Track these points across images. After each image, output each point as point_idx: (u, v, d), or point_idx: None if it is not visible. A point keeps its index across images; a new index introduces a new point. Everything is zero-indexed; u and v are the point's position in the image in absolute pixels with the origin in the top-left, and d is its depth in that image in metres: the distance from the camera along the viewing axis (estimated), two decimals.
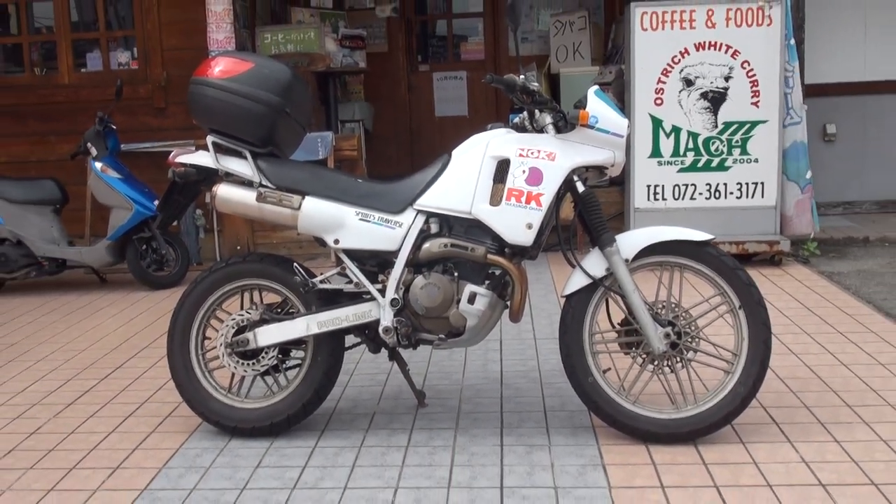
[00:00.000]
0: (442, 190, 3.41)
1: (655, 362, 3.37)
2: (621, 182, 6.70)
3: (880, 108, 8.07)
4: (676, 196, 6.44)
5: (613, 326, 3.46)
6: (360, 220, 3.44)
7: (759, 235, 6.39)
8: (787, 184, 6.45)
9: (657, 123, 6.39)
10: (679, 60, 6.33)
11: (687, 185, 6.43)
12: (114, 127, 6.73)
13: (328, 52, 8.11)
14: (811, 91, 7.22)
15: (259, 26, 8.10)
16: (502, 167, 3.34)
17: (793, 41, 6.42)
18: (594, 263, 3.36)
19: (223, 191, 3.55)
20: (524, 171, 3.31)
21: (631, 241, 3.35)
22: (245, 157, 3.53)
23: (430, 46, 10.68)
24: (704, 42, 6.32)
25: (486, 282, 3.42)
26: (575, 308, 3.37)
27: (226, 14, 7.25)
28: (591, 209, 3.37)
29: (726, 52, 6.32)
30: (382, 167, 9.00)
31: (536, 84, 3.38)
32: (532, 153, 3.33)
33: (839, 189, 8.09)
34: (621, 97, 6.74)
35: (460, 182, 3.39)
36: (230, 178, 3.59)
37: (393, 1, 9.97)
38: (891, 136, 8.10)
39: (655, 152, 6.42)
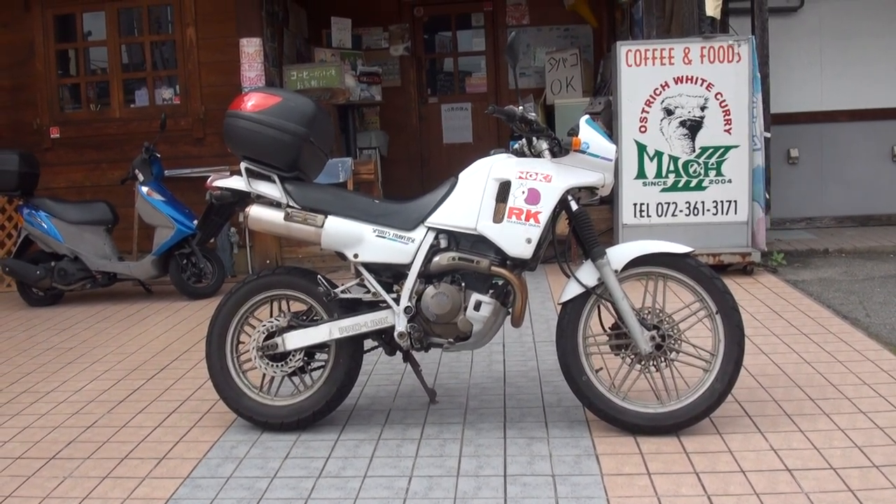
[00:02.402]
0: (450, 209, 3.40)
1: (642, 362, 3.35)
2: (610, 201, 6.66)
3: (836, 134, 8.07)
4: (660, 213, 6.41)
5: (605, 330, 3.44)
6: (377, 236, 3.43)
7: (733, 248, 6.36)
8: (752, 203, 6.41)
9: (642, 148, 6.37)
10: (660, 92, 6.31)
11: (669, 204, 6.40)
12: (158, 155, 6.75)
13: (348, 86, 8.12)
14: (777, 119, 7.22)
15: (286, 65, 8.11)
16: (504, 188, 3.33)
17: (758, 74, 6.39)
18: (587, 274, 3.34)
19: (255, 211, 3.54)
20: (524, 192, 3.30)
21: (620, 254, 3.33)
22: (274, 181, 3.53)
23: (438, 81, 10.68)
24: (682, 76, 6.30)
25: (490, 291, 3.41)
26: (570, 314, 3.35)
27: (257, 55, 7.32)
28: (583, 225, 3.35)
29: (701, 84, 6.30)
30: (396, 189, 8.99)
31: (534, 114, 3.37)
32: (531, 175, 3.32)
33: (802, 206, 8.07)
34: (610, 125, 6.71)
35: (466, 202, 3.38)
36: (261, 199, 3.58)
37: (405, 41, 9.98)
38: (846, 159, 8.10)
39: (641, 174, 6.40)
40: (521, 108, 3.32)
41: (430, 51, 10.55)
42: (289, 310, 3.67)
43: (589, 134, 3.32)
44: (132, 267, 6.63)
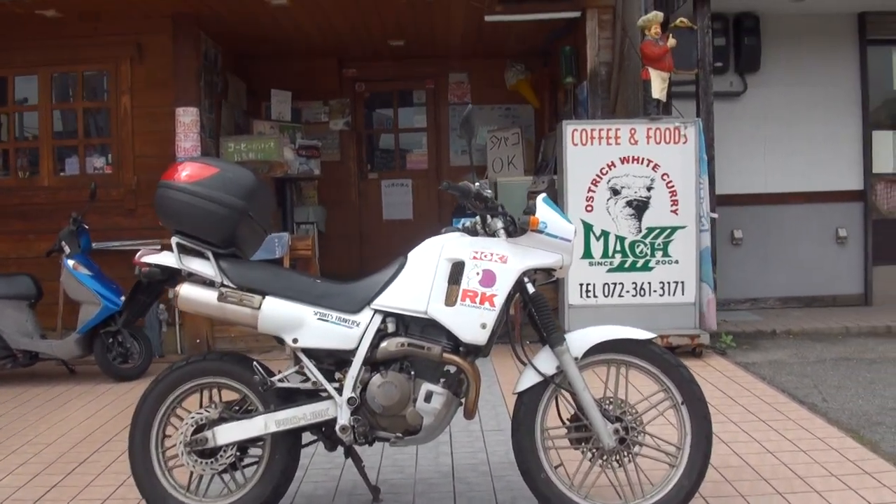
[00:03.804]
0: (399, 290, 3.13)
1: (604, 457, 3.08)
2: (556, 280, 6.47)
3: (779, 216, 8.07)
4: (606, 293, 6.23)
5: (563, 423, 3.17)
6: (319, 319, 3.13)
7: (681, 329, 6.19)
8: (700, 284, 6.29)
9: (588, 228, 6.22)
10: (606, 172, 6.20)
11: (615, 284, 6.23)
12: (86, 227, 6.35)
13: (286, 160, 7.88)
14: (721, 200, 7.16)
15: (224, 136, 7.83)
16: (457, 269, 3.08)
17: (705, 156, 6.34)
18: (545, 361, 3.09)
19: (185, 291, 3.23)
20: (478, 273, 3.05)
21: (580, 340, 3.09)
22: (208, 258, 3.22)
23: (378, 156, 10.53)
24: (629, 156, 6.21)
25: (442, 380, 3.12)
26: (527, 405, 3.08)
27: (193, 125, 7.05)
28: (541, 309, 3.11)
29: (648, 165, 6.21)
30: (334, 265, 8.70)
31: (490, 191, 3.15)
32: (485, 256, 3.07)
33: (746, 287, 7.99)
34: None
35: (416, 283, 3.11)
36: (193, 277, 3.26)
37: (345, 115, 9.81)
38: (788, 241, 8.08)
39: (587, 254, 6.23)
40: (476, 184, 3.10)
41: (370, 126, 10.41)
42: (220, 399, 3.33)
43: (547, 213, 3.11)
44: (55, 346, 6.16)
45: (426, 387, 3.04)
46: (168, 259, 3.26)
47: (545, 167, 8.09)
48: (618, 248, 6.22)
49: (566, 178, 6.24)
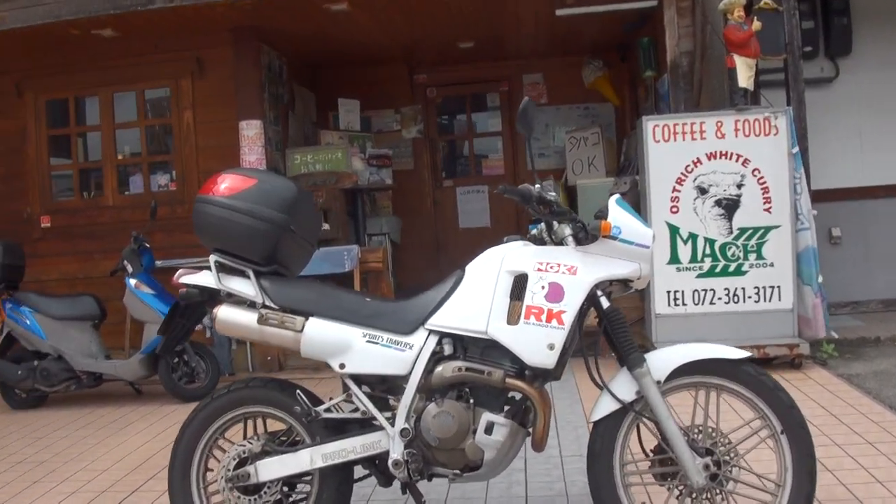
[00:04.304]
0: (455, 308, 2.80)
1: (693, 495, 2.68)
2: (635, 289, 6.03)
3: (879, 211, 7.42)
4: (696, 301, 5.77)
5: (647, 455, 2.79)
6: (368, 342, 2.83)
7: (779, 339, 5.67)
8: (803, 287, 5.76)
9: (674, 231, 5.77)
10: (692, 170, 5.74)
11: (706, 290, 5.76)
12: (147, 245, 6.23)
13: (355, 170, 7.65)
14: (816, 196, 6.59)
15: (289, 148, 7.65)
16: (519, 283, 2.74)
17: (797, 149, 5.82)
18: (623, 386, 2.71)
19: (224, 313, 2.97)
20: (543, 287, 2.70)
21: (662, 361, 2.70)
22: (248, 277, 2.95)
23: (453, 163, 10.22)
24: (715, 152, 5.74)
25: (507, 407, 2.78)
26: (603, 436, 2.71)
27: (258, 138, 6.92)
28: (616, 326, 2.74)
29: (737, 160, 5.73)
30: (410, 277, 8.43)
31: (553, 194, 2.80)
32: (551, 267, 2.72)
33: (846, 289, 7.34)
34: (637, 206, 6.16)
35: (475, 299, 2.78)
36: (233, 298, 3.00)
37: (418, 123, 9.54)
38: (891, 238, 7.41)
39: (674, 258, 5.78)
40: (537, 186, 2.75)
41: (444, 133, 10.12)
42: (265, 430, 3.06)
43: (621, 217, 2.74)
44: (118, 366, 6.05)
45: (487, 417, 2.70)
46: (207, 279, 3.02)
47: (628, 167, 7.65)
48: (707, 251, 5.76)
49: (648, 177, 5.81)
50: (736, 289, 5.73)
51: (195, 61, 7.19)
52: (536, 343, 2.67)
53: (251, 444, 2.95)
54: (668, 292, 5.79)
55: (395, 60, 9.09)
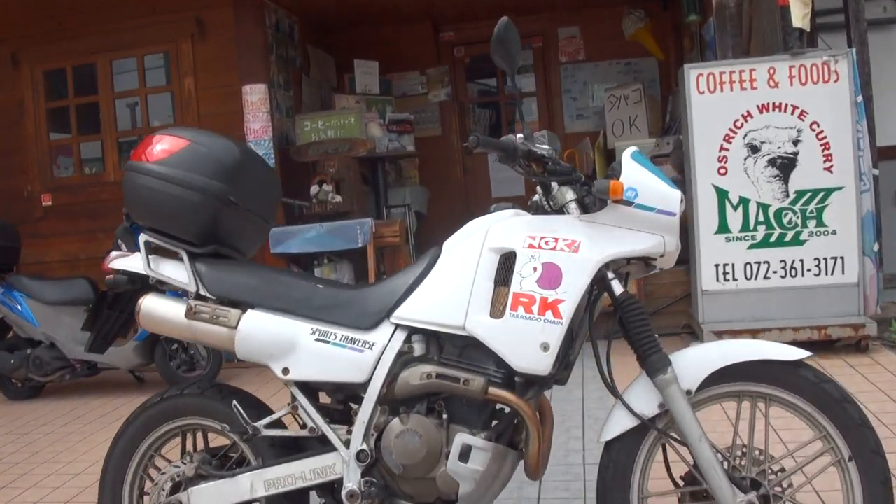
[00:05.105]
0: (427, 296, 2.20)
1: None
2: (687, 260, 5.36)
3: None
4: (748, 275, 5.07)
5: (675, 484, 2.16)
6: (317, 340, 2.25)
7: (842, 318, 4.95)
8: (863, 259, 5.02)
9: (722, 195, 5.07)
10: (742, 125, 5.02)
11: (759, 263, 5.05)
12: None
13: (371, 136, 7.04)
14: (881, 153, 5.80)
15: (299, 114, 7.07)
16: (507, 264, 2.11)
17: (860, 98, 5.06)
18: (642, 396, 2.09)
19: (148, 304, 2.43)
20: (535, 269, 2.08)
21: (693, 365, 2.07)
22: (182, 260, 2.39)
23: (483, 128, 9.55)
24: (768, 103, 5.01)
25: (495, 422, 2.17)
26: (617, 460, 2.10)
27: (262, 103, 6.35)
28: (633, 318, 2.11)
29: (792, 112, 5.00)
30: None
31: (547, 147, 2.16)
32: (546, 243, 2.10)
33: None
34: (682, 169, 5.46)
35: (450, 285, 2.17)
36: (165, 286, 2.45)
37: (445, 85, 8.87)
38: None
39: (722, 227, 5.09)
40: (519, 136, 2.11)
41: (473, 95, 9.45)
42: (206, 446, 2.50)
43: (637, 175, 2.10)
44: (112, 354, 5.56)
45: (462, 438, 2.09)
46: (136, 263, 2.47)
47: (673, 127, 6.92)
48: (761, 218, 5.04)
49: (692, 135, 5.10)
50: (793, 261, 5.02)
51: (195, 22, 6.63)
52: (525, 342, 2.05)
53: (184, 464, 2.41)
54: (717, 266, 5.10)
55: (418, 18, 8.42)
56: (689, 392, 2.03)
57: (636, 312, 2.10)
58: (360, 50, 8.26)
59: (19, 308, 5.73)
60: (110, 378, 6.10)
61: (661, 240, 2.09)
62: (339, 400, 2.30)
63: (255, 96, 6.31)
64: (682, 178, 5.35)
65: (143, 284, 2.50)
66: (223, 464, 2.45)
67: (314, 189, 6.66)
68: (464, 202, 9.07)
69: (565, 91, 8.87)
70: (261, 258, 6.28)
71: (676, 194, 2.11)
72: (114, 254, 2.66)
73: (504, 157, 2.11)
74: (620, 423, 2.09)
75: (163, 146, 2.44)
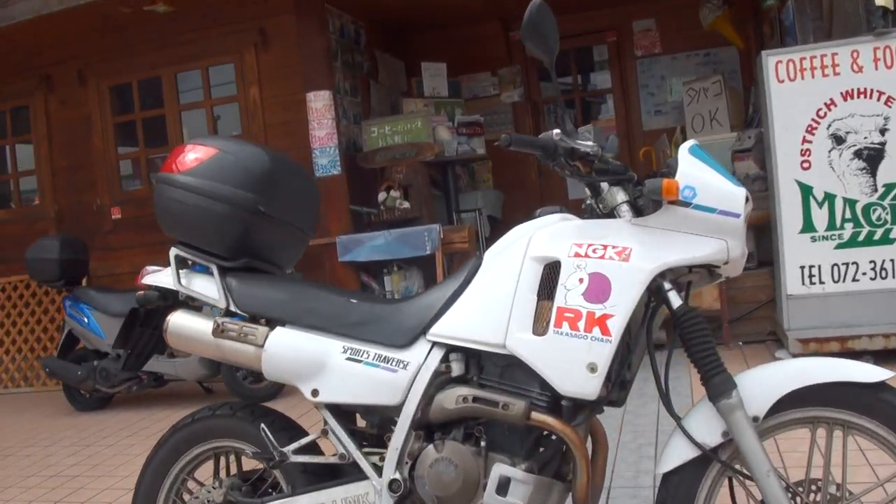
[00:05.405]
0: (465, 311, 2.02)
1: None
2: (771, 262, 5.03)
3: None
4: (836, 278, 4.72)
5: None
6: (348, 358, 2.09)
7: None
8: None
9: (806, 191, 4.74)
10: (825, 114, 4.68)
11: (847, 264, 4.70)
12: None
13: (439, 140, 6.88)
14: None
15: (365, 120, 6.96)
16: (552, 274, 1.91)
17: None
18: (704, 423, 1.87)
19: (176, 320, 2.32)
20: (581, 280, 1.87)
21: (762, 387, 1.83)
22: (212, 274, 2.26)
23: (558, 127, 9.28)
24: (852, 89, 4.66)
25: (541, 449, 1.97)
26: (676, 496, 1.88)
27: (326, 110, 6.25)
28: (693, 334, 1.88)
29: (878, 99, 4.64)
30: None
31: (591, 143, 1.95)
32: (594, 251, 1.89)
33: None
34: (764, 164, 5.13)
35: (491, 298, 1.99)
36: (197, 302, 2.34)
37: (518, 86, 8.66)
38: None
39: (808, 226, 4.75)
40: (555, 133, 1.91)
41: (547, 94, 9.20)
42: (239, 469, 2.37)
43: (695, 172, 1.87)
44: (178, 366, 5.57)
45: (500, 469, 1.90)
46: (167, 278, 2.36)
47: (756, 119, 6.56)
48: (848, 215, 4.70)
49: (773, 126, 4.79)
50: (883, 261, 4.65)
51: (258, 32, 6.60)
52: (571, 362, 1.85)
53: (212, 491, 2.28)
54: (802, 268, 4.77)
55: (487, 17, 8.23)
56: (756, 419, 1.79)
57: (696, 328, 1.87)
58: (430, 52, 8.11)
59: (86, 320, 5.78)
60: (178, 389, 6.10)
61: (724, 245, 1.85)
62: (374, 423, 2.14)
63: (319, 103, 6.22)
64: (764, 175, 5.03)
65: (175, 300, 2.39)
66: (256, 488, 2.32)
67: (381, 196, 6.54)
68: (540, 205, 8.72)
69: (642, 86, 8.55)
70: (329, 266, 6.20)
71: (740, 193, 1.87)
72: (148, 268, 2.56)
73: (544, 157, 1.91)
74: (680, 452, 1.86)
75: (192, 156, 2.34)
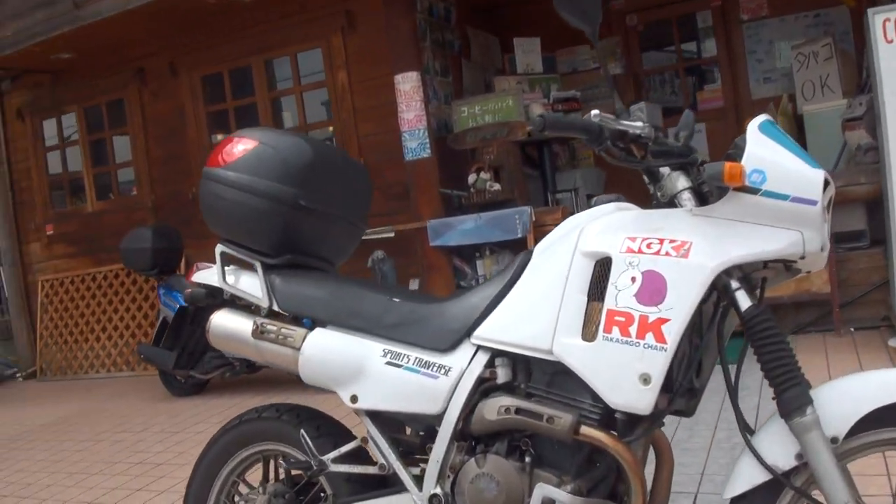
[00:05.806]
0: (511, 311, 1.85)
1: None
2: (884, 241, 4.62)
3: None
4: None
5: None
6: (388, 363, 1.95)
7: None
8: None
9: None
10: None
11: None
12: None
13: (532, 118, 6.64)
14: None
15: (455, 100, 6.79)
16: (603, 271, 1.71)
17: None
18: (776, 444, 1.64)
19: (218, 320, 2.25)
20: (633, 279, 1.66)
21: (842, 403, 1.59)
22: (256, 271, 2.17)
23: (662, 100, 8.89)
24: None
25: (595, 466, 1.78)
26: None
27: (415, 92, 6.12)
28: (764, 340, 1.65)
29: None
30: None
31: (642, 124, 1.73)
32: (648, 245, 1.68)
33: None
34: (875, 133, 4.71)
35: (538, 298, 1.81)
36: (242, 301, 2.25)
37: (618, 57, 8.30)
38: None
39: None
40: (594, 113, 1.70)
41: (649, 65, 8.81)
42: (287, 473, 2.28)
43: (764, 152, 1.63)
44: None
45: (543, 490, 1.72)
46: (214, 276, 2.28)
47: (868, 85, 6.05)
48: None
49: (882, 91, 4.38)
50: None
51: (344, 15, 6.54)
52: (622, 372, 1.65)
53: (256, 496, 2.19)
54: None
55: None
56: (834, 440, 1.56)
57: (767, 333, 1.64)
58: (525, 27, 7.86)
59: (178, 308, 5.88)
60: (271, 375, 6.12)
61: (799, 237, 1.61)
62: (419, 432, 2.00)
63: (407, 85, 6.10)
64: (876, 144, 4.61)
65: (224, 299, 2.31)
66: (303, 493, 2.22)
67: (472, 178, 6.38)
68: (642, 182, 8.48)
69: (749, 52, 8.05)
70: (421, 251, 6.09)
71: (818, 176, 1.62)
72: (199, 265, 2.50)
73: (589, 141, 1.70)
74: (749, 476, 1.64)
75: (233, 148, 2.24)
